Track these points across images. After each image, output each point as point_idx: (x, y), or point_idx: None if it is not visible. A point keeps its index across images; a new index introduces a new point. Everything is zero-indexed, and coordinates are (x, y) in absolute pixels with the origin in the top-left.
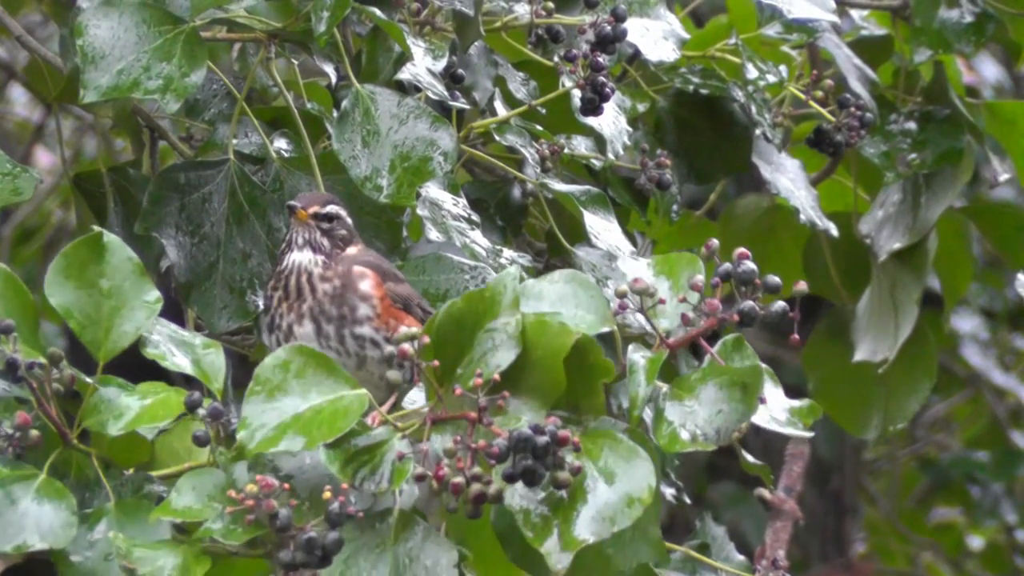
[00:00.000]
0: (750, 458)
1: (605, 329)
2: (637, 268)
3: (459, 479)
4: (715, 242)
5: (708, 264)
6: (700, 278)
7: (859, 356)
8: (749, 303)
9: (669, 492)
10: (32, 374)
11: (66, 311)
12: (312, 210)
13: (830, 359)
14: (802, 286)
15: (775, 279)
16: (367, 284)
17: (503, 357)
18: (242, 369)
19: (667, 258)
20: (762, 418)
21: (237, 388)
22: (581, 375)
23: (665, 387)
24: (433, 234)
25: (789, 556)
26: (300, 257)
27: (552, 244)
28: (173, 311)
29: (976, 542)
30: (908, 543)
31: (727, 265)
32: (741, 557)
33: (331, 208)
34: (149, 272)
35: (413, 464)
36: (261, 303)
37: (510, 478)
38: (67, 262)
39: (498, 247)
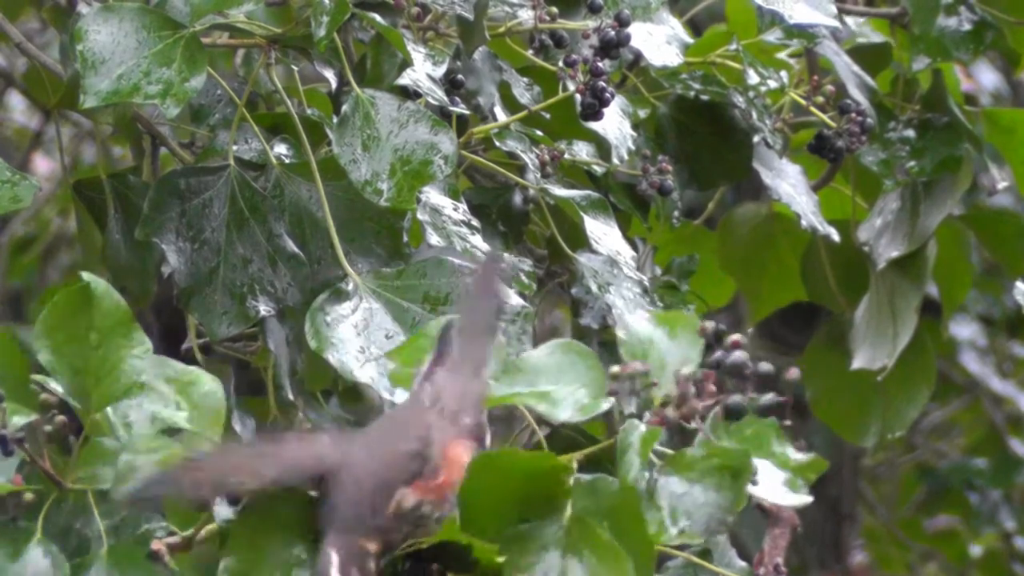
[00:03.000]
0: None
1: (604, 407)
2: (637, 321)
3: None
4: (711, 324)
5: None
6: (687, 372)
7: (857, 364)
8: (736, 398)
9: None
10: (22, 444)
11: (54, 368)
12: None
13: (828, 367)
14: (794, 373)
15: (767, 366)
16: None
17: None
18: (243, 376)
19: (666, 315)
20: (759, 489)
21: (238, 395)
22: (544, 478)
23: (659, 463)
24: (434, 239)
25: (787, 563)
26: None
27: (553, 250)
28: (174, 317)
29: (975, 550)
30: (907, 550)
31: (719, 354)
32: (743, 563)
33: None
34: (148, 279)
35: None
36: (262, 309)
37: None
38: (54, 317)
39: (499, 252)
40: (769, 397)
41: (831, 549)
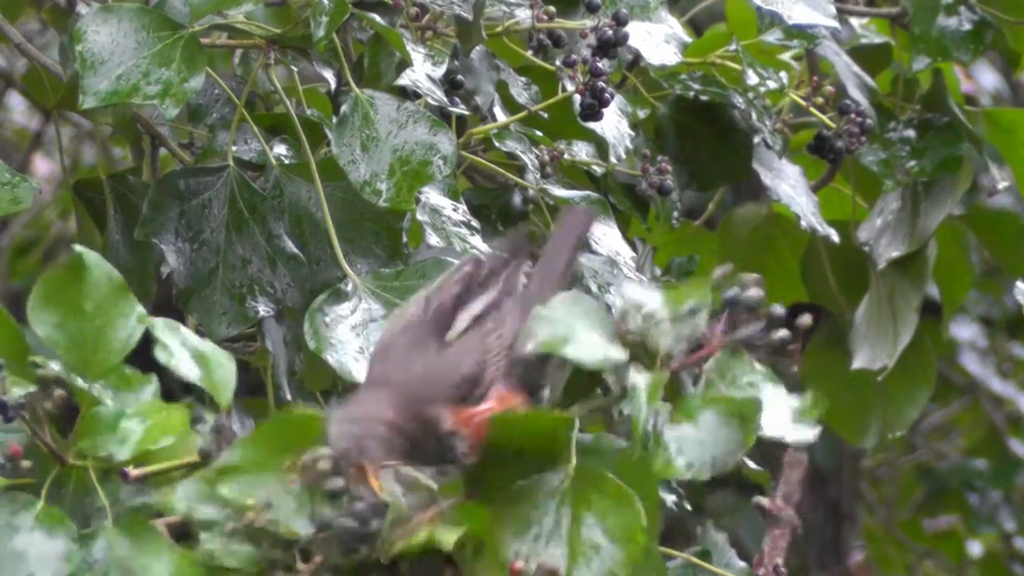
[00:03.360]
0: (752, 464)
1: (616, 354)
2: (646, 295)
3: None
4: (728, 267)
5: (715, 291)
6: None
7: (858, 364)
8: (752, 329)
9: (670, 499)
10: (22, 412)
11: (50, 339)
12: None
13: (828, 367)
14: (806, 319)
15: (780, 309)
16: None
17: None
18: (242, 376)
19: (677, 288)
20: (767, 427)
21: (237, 396)
22: (551, 436)
23: (665, 408)
24: (433, 239)
25: (787, 564)
26: None
27: None
28: (174, 317)
29: (975, 549)
30: (906, 551)
31: (734, 290)
32: (742, 564)
33: None
34: (148, 279)
35: None
36: (261, 309)
37: None
38: (47, 289)
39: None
40: (782, 333)
41: (831, 550)
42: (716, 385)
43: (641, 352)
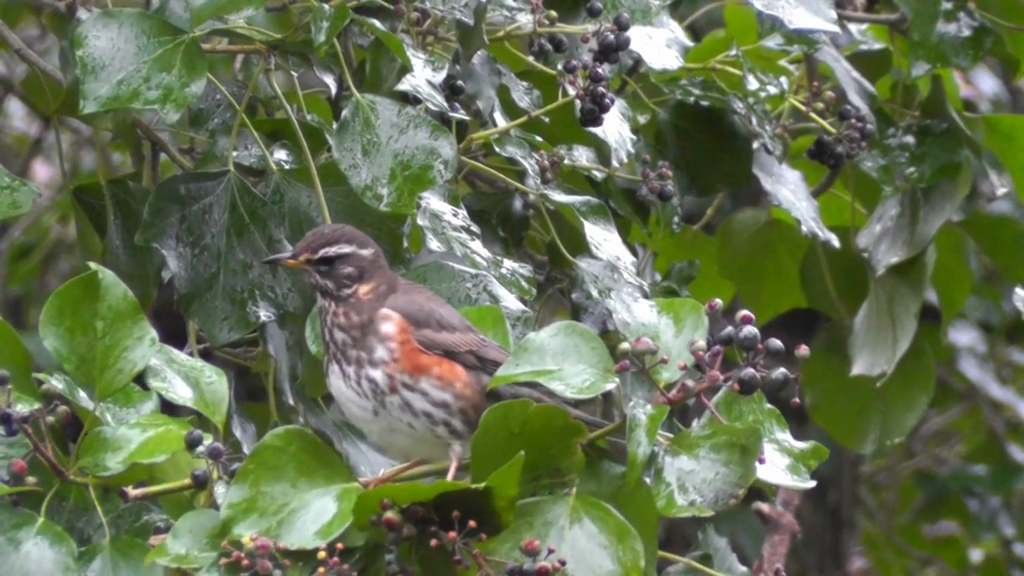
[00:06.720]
0: None
1: (609, 386)
2: (640, 310)
3: None
4: (718, 301)
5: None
6: (701, 344)
7: (857, 370)
8: (750, 371)
9: None
10: (25, 423)
11: (59, 353)
12: (303, 257)
13: (828, 373)
14: (804, 350)
15: (777, 343)
16: (389, 326)
17: None
18: (243, 381)
19: (671, 302)
20: (763, 472)
21: (238, 401)
22: (555, 439)
23: (665, 442)
24: (434, 244)
25: (787, 569)
26: (320, 302)
27: (553, 255)
28: (175, 322)
29: (975, 555)
30: (905, 557)
31: (729, 329)
32: (744, 568)
33: (326, 251)
34: (149, 284)
35: None
36: (262, 314)
37: None
38: (61, 302)
39: (499, 257)
40: (780, 372)
41: (830, 555)
42: (722, 412)
43: (640, 382)
